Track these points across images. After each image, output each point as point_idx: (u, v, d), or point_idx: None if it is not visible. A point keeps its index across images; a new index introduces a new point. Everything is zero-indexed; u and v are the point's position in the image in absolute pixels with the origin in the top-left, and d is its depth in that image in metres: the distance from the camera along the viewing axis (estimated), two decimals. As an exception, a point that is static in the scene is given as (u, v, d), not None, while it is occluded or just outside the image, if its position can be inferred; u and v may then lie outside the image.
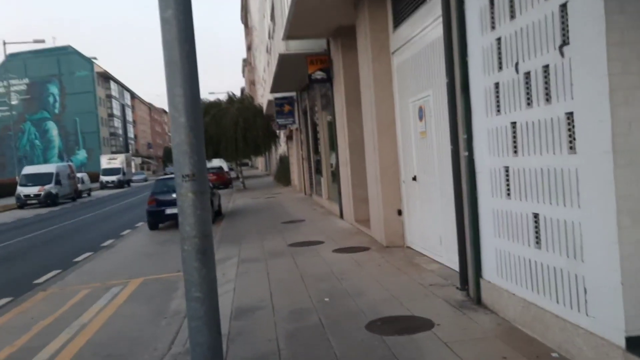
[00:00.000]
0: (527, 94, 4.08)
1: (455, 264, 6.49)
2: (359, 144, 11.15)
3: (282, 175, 30.90)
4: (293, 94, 20.87)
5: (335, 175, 13.92)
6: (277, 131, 29.57)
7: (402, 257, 7.67)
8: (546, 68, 3.80)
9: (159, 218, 15.04)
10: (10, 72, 73.82)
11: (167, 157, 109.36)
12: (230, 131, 28.04)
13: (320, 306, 5.64)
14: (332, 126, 13.66)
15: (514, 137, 4.31)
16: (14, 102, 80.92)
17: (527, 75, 4.04)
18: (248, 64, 56.37)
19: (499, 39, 4.42)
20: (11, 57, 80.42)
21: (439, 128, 6.69)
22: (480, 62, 4.77)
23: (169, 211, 14.74)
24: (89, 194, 42.20)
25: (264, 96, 29.97)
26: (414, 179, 7.77)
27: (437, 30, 6.38)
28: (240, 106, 29.27)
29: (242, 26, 64.88)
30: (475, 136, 4.99)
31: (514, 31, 4.18)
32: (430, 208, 7.27)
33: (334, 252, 8.57)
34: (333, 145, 14.11)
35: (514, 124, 4.30)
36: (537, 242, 4.09)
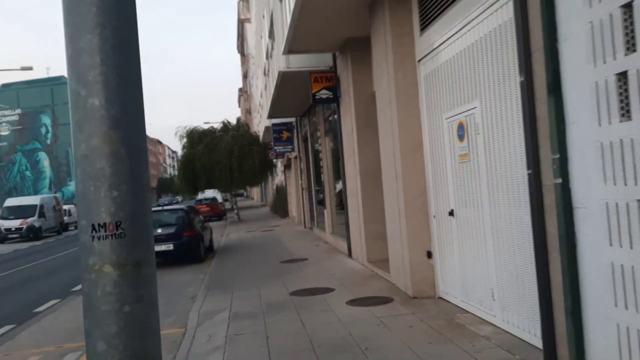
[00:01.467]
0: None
1: (515, 328, 4.88)
2: (372, 171, 9.61)
3: (279, 206, 29.28)
4: (292, 120, 19.44)
5: (341, 207, 12.33)
6: (275, 160, 28.08)
7: (438, 314, 6.02)
8: None
9: (142, 256, 13.32)
10: (2, 102, 72.74)
11: (160, 188, 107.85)
12: (225, 160, 26.55)
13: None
14: (337, 152, 12.14)
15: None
16: (5, 133, 79.73)
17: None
18: (244, 93, 55.31)
19: (628, 5, 2.91)
20: (4, 88, 79.59)
21: (490, 148, 5.15)
22: (583, 47, 3.26)
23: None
24: (76, 227, 40.34)
25: (260, 123, 28.62)
26: (451, 213, 6.19)
27: (490, 21, 4.90)
28: (235, 134, 27.86)
29: (238, 56, 64.17)
30: (573, 155, 3.43)
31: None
32: (475, 251, 5.67)
33: (348, 305, 6.91)
34: (338, 174, 12.58)
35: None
36: None
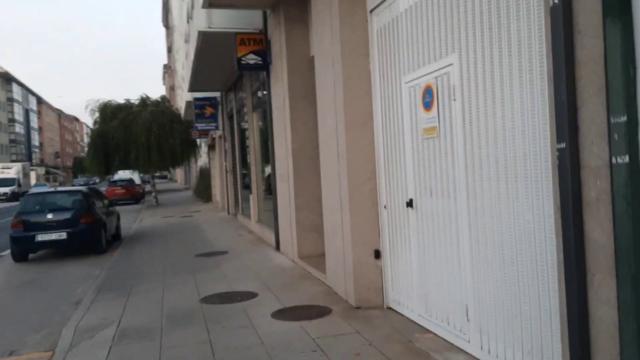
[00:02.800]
0: None
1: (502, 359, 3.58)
2: (307, 151, 8.15)
3: (202, 190, 27.20)
4: (217, 94, 17.53)
5: (269, 193, 10.79)
6: (198, 140, 25.94)
7: (391, 333, 4.67)
8: None
9: (28, 246, 11.11)
10: None
11: (77, 168, 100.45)
12: (142, 138, 24.16)
13: None
14: (266, 131, 10.57)
15: None
16: None
17: None
18: (168, 69, 51.96)
19: None
20: None
21: (473, 118, 3.81)
22: None
23: (41, 237, 10.89)
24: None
25: (182, 99, 26.31)
26: (409, 204, 4.83)
27: (484, -63, 3.51)
28: (154, 110, 25.43)
29: (163, 31, 60.27)
30: (652, 118, 2.10)
31: None
32: (442, 253, 4.34)
33: (274, 318, 5.41)
34: (267, 156, 11.01)
35: None
36: None
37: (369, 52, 5.51)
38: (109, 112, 25.99)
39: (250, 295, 6.44)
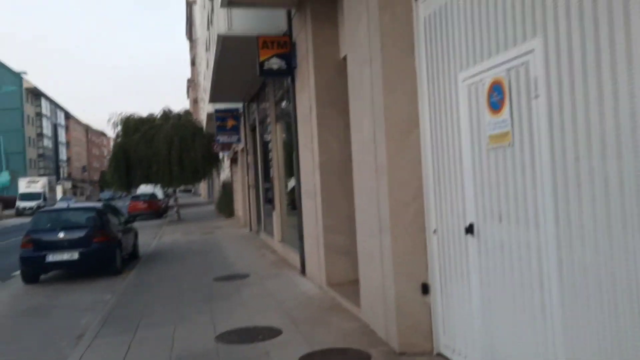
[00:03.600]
0: None
1: None
2: (337, 164, 7.28)
3: (225, 205, 26.50)
4: (239, 105, 16.82)
5: (293, 208, 9.93)
6: (220, 153, 25.31)
7: (449, 394, 3.70)
8: None
9: (38, 267, 10.43)
10: None
11: (103, 182, 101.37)
12: (164, 152, 23.57)
13: None
14: (290, 143, 9.74)
15: None
16: None
17: None
18: (192, 82, 51.92)
19: None
20: None
21: (564, 120, 2.88)
22: None
23: (52, 258, 10.20)
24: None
25: (204, 110, 25.76)
26: (469, 230, 3.88)
27: None
28: (176, 123, 24.89)
29: (188, 44, 60.43)
30: None
31: None
32: (521, 296, 3.38)
33: (302, 366, 4.50)
34: (292, 170, 10.18)
35: None
36: None
37: (413, 46, 4.62)
38: (132, 126, 25.56)
39: (274, 332, 5.53)
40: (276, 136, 11.72)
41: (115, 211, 12.55)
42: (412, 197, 4.61)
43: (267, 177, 14.00)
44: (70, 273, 11.06)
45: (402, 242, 4.61)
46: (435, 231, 4.47)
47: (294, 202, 10.42)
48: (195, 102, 45.66)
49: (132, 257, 13.12)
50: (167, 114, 26.39)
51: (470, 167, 3.87)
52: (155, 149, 23.72)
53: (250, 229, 17.03)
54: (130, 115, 26.36)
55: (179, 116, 26.25)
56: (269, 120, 12.12)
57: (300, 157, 8.47)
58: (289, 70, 8.39)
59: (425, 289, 4.58)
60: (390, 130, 4.62)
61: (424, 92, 4.53)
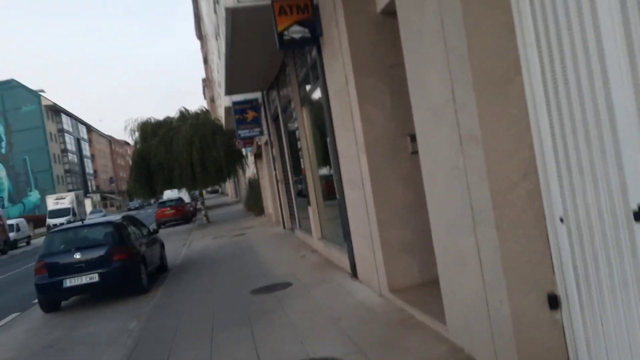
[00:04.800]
0: None
1: None
2: (387, 143, 5.92)
3: (253, 203, 25.37)
4: (257, 95, 15.53)
5: (331, 198, 8.63)
6: (243, 149, 24.14)
7: None
8: None
9: (56, 294, 9.36)
10: (-54, 111, 67.16)
11: (130, 191, 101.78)
12: (184, 154, 22.51)
13: None
14: (321, 126, 8.42)
15: None
16: (-48, 144, 73.61)
17: None
18: (207, 81, 50.91)
19: None
20: (-56, 94, 73.62)
21: None
22: None
23: (69, 283, 9.11)
24: (28, 243, 35.85)
25: (221, 106, 24.58)
26: (638, 216, 2.49)
27: None
28: (194, 122, 23.78)
29: (198, 44, 59.34)
30: None
31: None
32: None
33: None
34: (325, 157, 8.89)
35: None
36: None
37: (502, -42, 3.22)
38: (149, 131, 24.60)
39: (336, 367, 4.24)
40: (303, 122, 10.40)
41: (136, 222, 11.43)
42: (521, 174, 3.23)
43: (297, 170, 12.71)
44: (93, 296, 9.99)
45: (512, 238, 3.24)
46: (562, 219, 3.09)
47: (331, 193, 9.13)
48: (212, 100, 44.65)
49: (160, 270, 12.03)
50: (184, 115, 25.33)
51: (635, 114, 2.47)
52: (175, 152, 22.70)
53: (284, 227, 15.79)
54: (147, 120, 25.40)
55: (197, 115, 25.16)
56: (293, 105, 10.79)
57: (338, 141, 7.13)
58: (314, 38, 7.03)
59: (553, 302, 3.22)
60: (480, 82, 3.24)
61: (525, 19, 3.13)
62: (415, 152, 5.10)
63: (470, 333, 3.92)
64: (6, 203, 74.16)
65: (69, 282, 9.09)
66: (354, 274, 7.33)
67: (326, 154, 8.89)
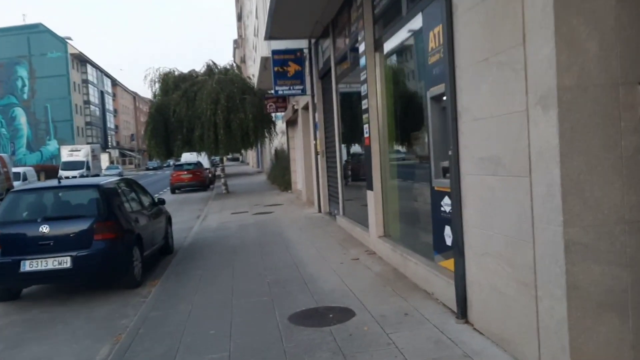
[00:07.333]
0: None
1: None
2: (603, 93, 2.90)
3: (279, 176, 22.57)
4: (303, 44, 12.51)
5: (412, 192, 5.74)
6: (273, 114, 21.24)
7: None
8: None
9: (11, 280, 6.66)
10: (-28, 50, 65.56)
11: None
12: (207, 113, 19.67)
13: None
14: (409, 77, 5.48)
15: None
16: (-25, 85, 72.16)
17: None
18: (239, 39, 47.83)
19: None
20: (-30, 34, 71.94)
21: None
22: None
23: (29, 266, 6.41)
24: (35, 194, 33.64)
25: (255, 62, 21.59)
26: None
27: None
28: (222, 78, 20.87)
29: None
30: None
31: None
32: None
33: None
34: (417, 122, 6.00)
35: None
36: None
37: None
38: (171, 83, 21.80)
39: None
40: (375, 74, 7.43)
41: (135, 188, 8.66)
42: None
43: (351, 140, 9.80)
44: (61, 286, 7.33)
45: None
46: None
47: (410, 176, 6.27)
48: (242, 61, 41.67)
49: (164, 251, 9.33)
50: (211, 69, 22.43)
51: None
52: (198, 110, 19.87)
53: (319, 210, 12.94)
54: (170, 71, 22.56)
55: (225, 70, 22.25)
56: (361, 50, 7.79)
57: (465, 90, 4.18)
58: None
59: None
60: None
61: None
62: None
63: None
64: (24, 150, 72.81)
65: (29, 266, 6.38)
66: (463, 314, 4.45)
67: (411, 118, 5.98)
